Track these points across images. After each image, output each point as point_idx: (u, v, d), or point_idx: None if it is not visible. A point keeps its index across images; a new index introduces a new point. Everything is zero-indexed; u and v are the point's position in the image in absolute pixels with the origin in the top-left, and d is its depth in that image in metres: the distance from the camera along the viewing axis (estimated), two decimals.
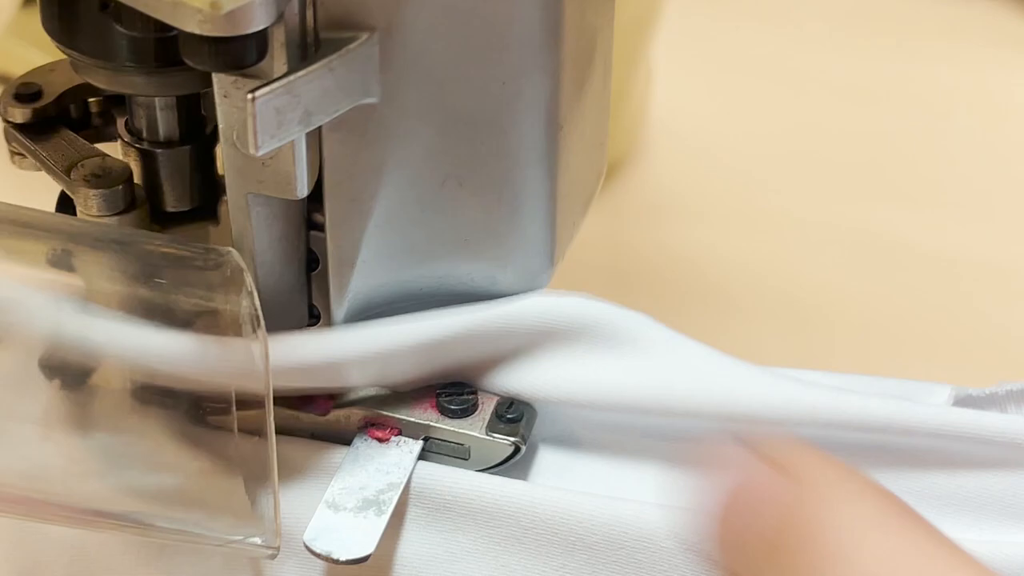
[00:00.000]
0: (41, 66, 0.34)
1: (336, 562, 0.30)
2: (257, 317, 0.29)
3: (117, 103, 0.34)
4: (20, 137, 0.33)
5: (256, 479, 0.31)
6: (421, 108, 0.30)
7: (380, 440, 0.33)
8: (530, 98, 0.30)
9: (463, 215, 0.32)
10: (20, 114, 0.33)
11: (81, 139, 0.33)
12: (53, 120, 0.34)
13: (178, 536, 0.31)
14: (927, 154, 0.57)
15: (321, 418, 0.33)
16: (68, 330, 0.30)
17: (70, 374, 0.31)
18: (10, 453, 0.31)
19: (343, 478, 0.32)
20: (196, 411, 0.31)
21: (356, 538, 0.31)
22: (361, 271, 0.32)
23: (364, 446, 0.33)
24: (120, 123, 0.33)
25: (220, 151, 0.30)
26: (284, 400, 0.33)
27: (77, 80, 0.33)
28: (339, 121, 0.29)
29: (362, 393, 0.33)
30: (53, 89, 0.34)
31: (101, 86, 0.32)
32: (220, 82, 0.28)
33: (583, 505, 0.32)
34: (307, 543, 0.30)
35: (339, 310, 0.32)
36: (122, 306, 0.30)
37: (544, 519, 0.32)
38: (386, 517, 0.31)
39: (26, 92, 0.34)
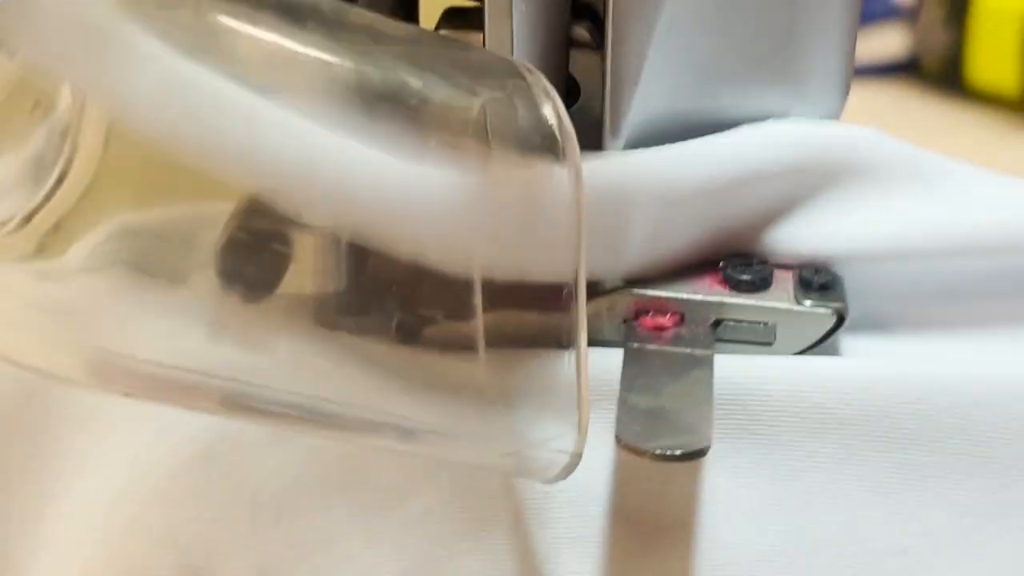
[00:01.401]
0: None
1: (669, 458, 0.22)
2: (558, 134, 0.22)
3: None
4: None
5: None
6: None
7: (659, 331, 0.25)
8: None
9: (762, 22, 0.25)
10: None
11: None
12: None
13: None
14: None
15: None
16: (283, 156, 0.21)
17: (254, 280, 0.23)
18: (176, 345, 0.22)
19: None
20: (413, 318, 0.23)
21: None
22: (640, 96, 0.25)
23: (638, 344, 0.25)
24: None
25: None
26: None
27: None
28: None
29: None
30: None
31: None
32: None
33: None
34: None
35: (613, 145, 0.25)
36: (371, 121, 0.21)
37: (920, 408, 0.25)
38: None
39: None
